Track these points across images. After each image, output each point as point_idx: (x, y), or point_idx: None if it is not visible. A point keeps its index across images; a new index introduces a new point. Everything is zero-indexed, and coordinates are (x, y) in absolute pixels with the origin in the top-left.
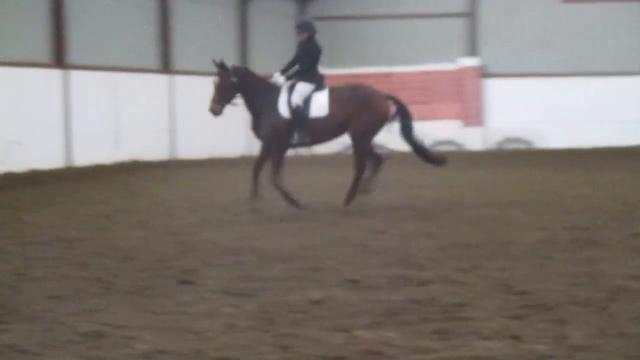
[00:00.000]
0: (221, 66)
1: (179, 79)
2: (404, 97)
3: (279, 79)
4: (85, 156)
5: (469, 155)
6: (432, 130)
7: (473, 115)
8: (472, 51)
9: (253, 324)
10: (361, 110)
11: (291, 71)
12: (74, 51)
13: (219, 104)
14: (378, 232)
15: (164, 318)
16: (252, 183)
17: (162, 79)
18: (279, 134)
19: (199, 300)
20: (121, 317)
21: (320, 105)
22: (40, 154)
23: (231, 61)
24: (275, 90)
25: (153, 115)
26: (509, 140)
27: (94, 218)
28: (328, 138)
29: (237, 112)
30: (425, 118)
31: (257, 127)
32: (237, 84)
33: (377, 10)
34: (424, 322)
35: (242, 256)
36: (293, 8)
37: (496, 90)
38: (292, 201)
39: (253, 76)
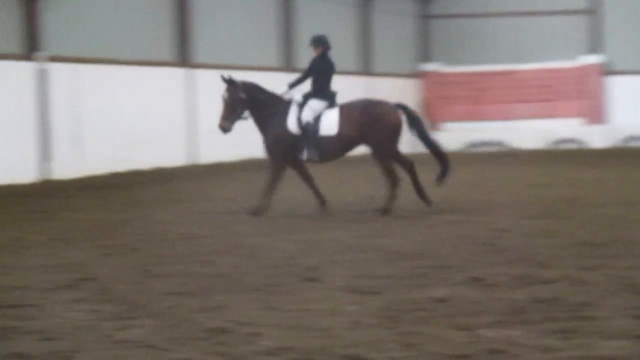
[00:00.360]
0: (230, 82)
1: None
2: (525, 95)
3: (293, 95)
4: (209, 154)
5: (592, 153)
6: (554, 128)
7: (595, 113)
8: (595, 48)
9: (377, 321)
10: (373, 126)
11: (298, 83)
12: (199, 50)
13: (228, 120)
14: (502, 231)
15: (288, 315)
16: (313, 193)
17: (284, 77)
18: (283, 148)
19: (324, 298)
20: (246, 314)
21: (330, 124)
22: (166, 151)
23: (352, 60)
24: (283, 104)
25: None
26: (633, 138)
27: (218, 215)
28: (338, 155)
29: None
30: (547, 116)
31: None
32: (246, 99)
33: (498, 7)
34: (548, 321)
35: (366, 254)
36: (415, 6)
37: (620, 88)
38: (259, 212)
39: (261, 91)
